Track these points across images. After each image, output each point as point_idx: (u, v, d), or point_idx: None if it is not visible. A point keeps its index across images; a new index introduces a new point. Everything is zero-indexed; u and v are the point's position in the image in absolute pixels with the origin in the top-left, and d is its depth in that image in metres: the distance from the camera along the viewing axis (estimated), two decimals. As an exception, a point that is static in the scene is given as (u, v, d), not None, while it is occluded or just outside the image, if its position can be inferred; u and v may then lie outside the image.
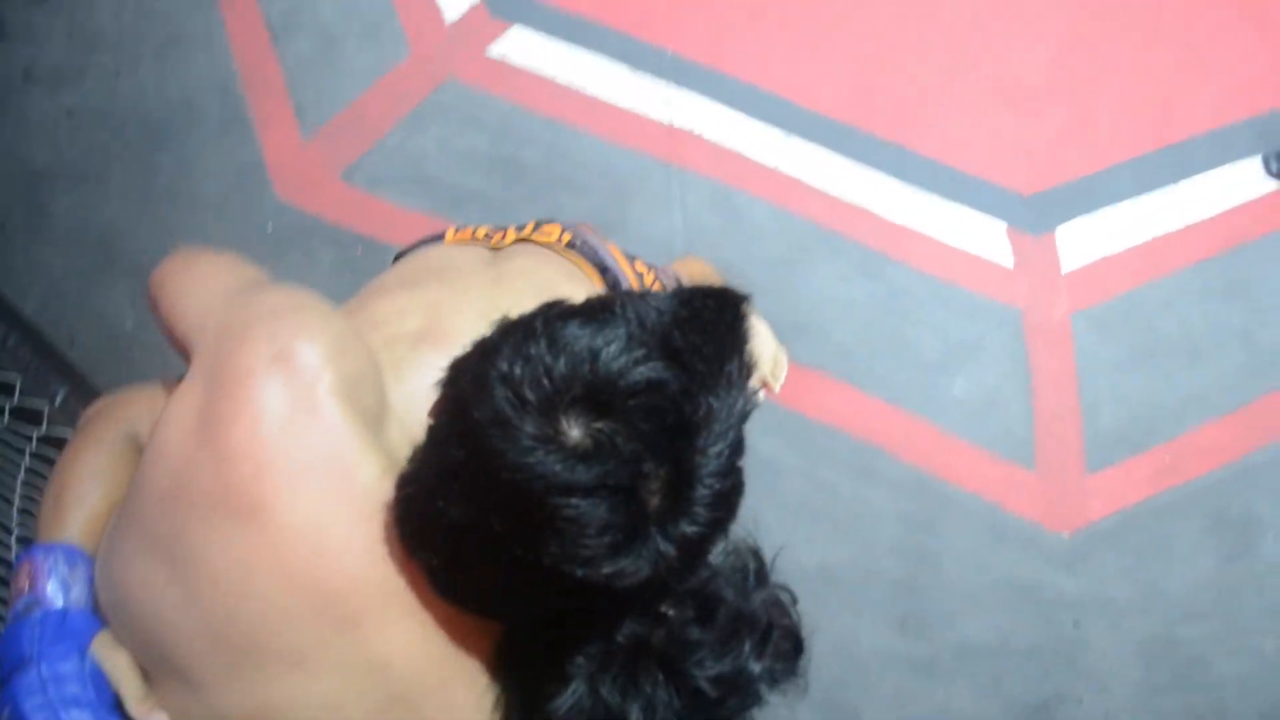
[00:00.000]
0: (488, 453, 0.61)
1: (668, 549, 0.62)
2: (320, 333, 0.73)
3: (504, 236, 1.23)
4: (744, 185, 1.98)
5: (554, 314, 0.66)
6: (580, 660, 0.71)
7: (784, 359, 1.89)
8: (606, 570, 0.61)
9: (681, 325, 0.66)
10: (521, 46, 2.04)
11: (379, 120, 2.02)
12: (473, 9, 2.06)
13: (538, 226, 1.25)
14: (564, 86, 2.02)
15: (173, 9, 2.10)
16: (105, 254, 1.98)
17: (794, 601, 0.80)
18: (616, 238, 1.91)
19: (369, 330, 0.87)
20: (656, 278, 1.35)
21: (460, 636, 0.73)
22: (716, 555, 0.76)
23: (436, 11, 2.07)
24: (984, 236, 1.99)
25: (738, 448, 0.65)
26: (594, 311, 0.66)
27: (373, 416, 0.75)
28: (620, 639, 0.71)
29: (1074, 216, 2.01)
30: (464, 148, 2.00)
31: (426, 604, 0.72)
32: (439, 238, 1.28)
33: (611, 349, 0.62)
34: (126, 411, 0.89)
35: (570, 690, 0.70)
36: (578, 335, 0.63)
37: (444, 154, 2.00)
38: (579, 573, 0.61)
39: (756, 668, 0.73)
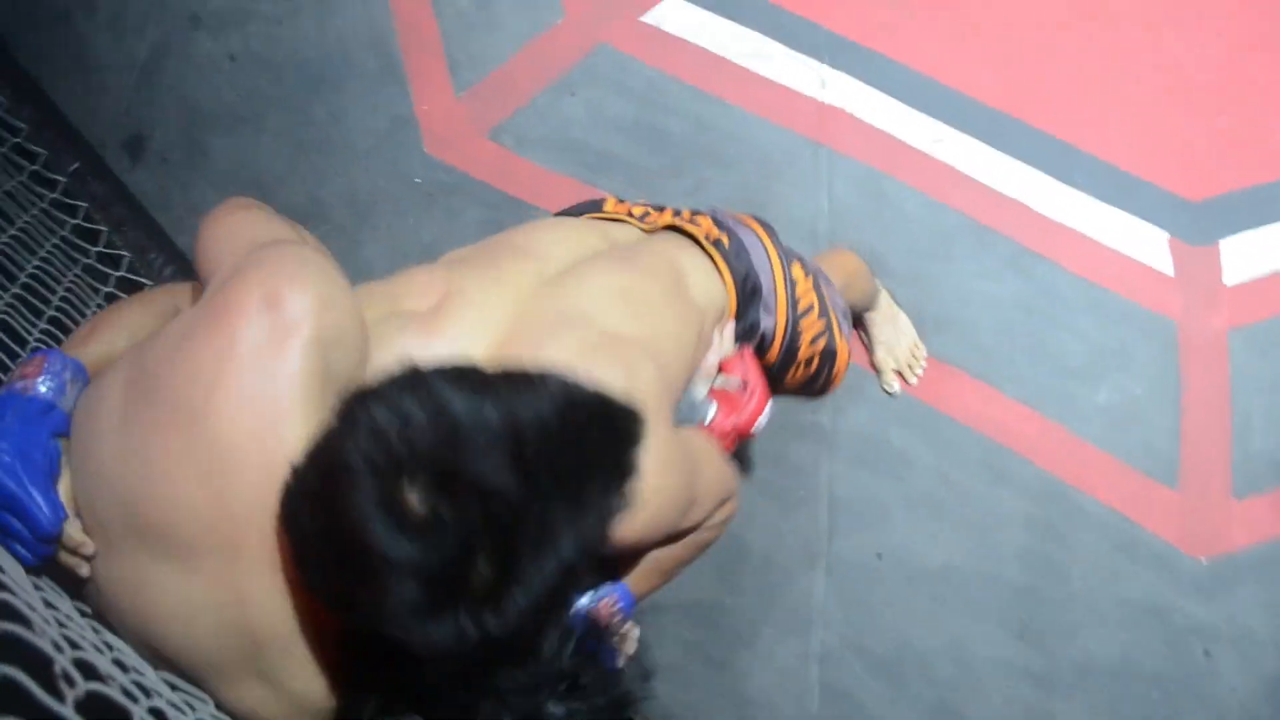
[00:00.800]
0: (331, 482, 0.68)
1: (474, 633, 0.66)
2: (312, 287, 0.79)
3: (658, 217, 1.25)
4: (894, 171, 1.94)
5: (448, 372, 0.72)
6: (372, 687, 0.77)
7: (922, 352, 1.86)
8: (406, 628, 0.66)
9: (545, 437, 0.69)
10: (676, 15, 2.02)
11: (529, 82, 2.04)
12: (630, -25, 2.05)
13: (694, 216, 1.24)
14: (716, 58, 2.00)
15: (336, -39, 2.15)
16: (259, 195, 2.03)
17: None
18: (761, 213, 1.90)
19: (381, 300, 0.95)
20: (816, 284, 1.34)
21: (315, 613, 0.79)
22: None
23: (593, -24, 2.07)
24: (1142, 241, 1.90)
25: (570, 567, 0.69)
26: (480, 386, 0.71)
27: (339, 378, 0.80)
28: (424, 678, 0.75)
29: (1241, 229, 1.91)
30: (612, 114, 2.00)
31: (294, 572, 0.78)
32: (598, 204, 1.28)
33: (476, 435, 0.67)
34: (183, 290, 1.02)
35: (363, 709, 0.77)
36: (452, 402, 0.69)
37: (591, 119, 2.00)
38: (380, 625, 0.67)
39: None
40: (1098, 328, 1.88)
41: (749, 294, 1.22)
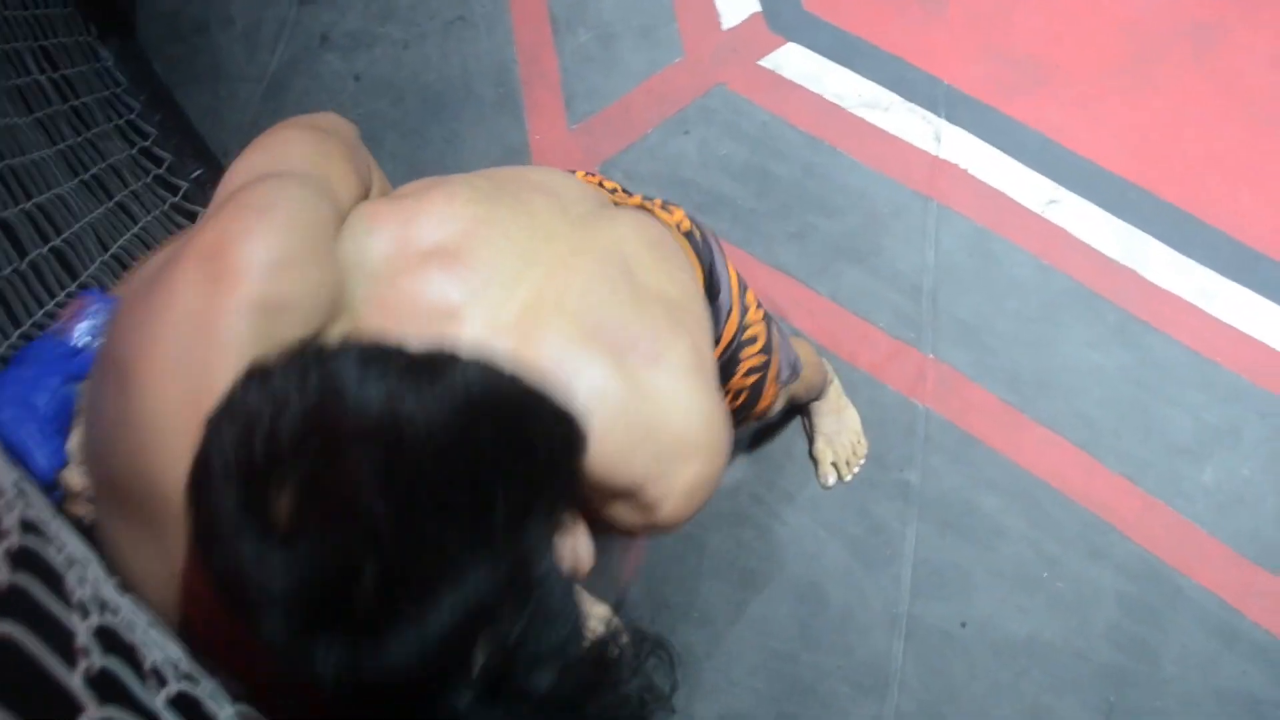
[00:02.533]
0: (200, 483, 0.59)
1: (349, 669, 0.56)
2: (268, 242, 0.72)
3: (626, 198, 1.17)
4: (1005, 231, 1.95)
5: (360, 349, 0.61)
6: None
7: (863, 449, 1.86)
8: (282, 658, 0.57)
9: (432, 446, 0.57)
10: (794, 61, 2.07)
11: (643, 118, 2.10)
12: (751, 18, 2.10)
13: (665, 205, 1.19)
14: (831, 105, 2.04)
15: (465, -11, 2.25)
16: (375, 215, 2.15)
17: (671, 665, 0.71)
18: (865, 264, 1.93)
19: (392, 224, 0.83)
20: (767, 321, 1.28)
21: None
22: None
23: (714, 17, 2.12)
24: (1260, 318, 1.88)
25: (474, 603, 0.58)
26: (386, 371, 0.59)
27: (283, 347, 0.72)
28: None
29: (1366, 312, 1.87)
30: (723, 154, 2.04)
31: None
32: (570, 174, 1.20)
33: (351, 436, 0.57)
34: None
35: None
36: (342, 390, 0.58)
37: (702, 158, 2.05)
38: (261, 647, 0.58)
39: None
40: (1207, 404, 1.85)
41: (711, 292, 1.15)
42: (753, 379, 1.26)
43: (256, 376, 0.61)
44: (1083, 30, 2.05)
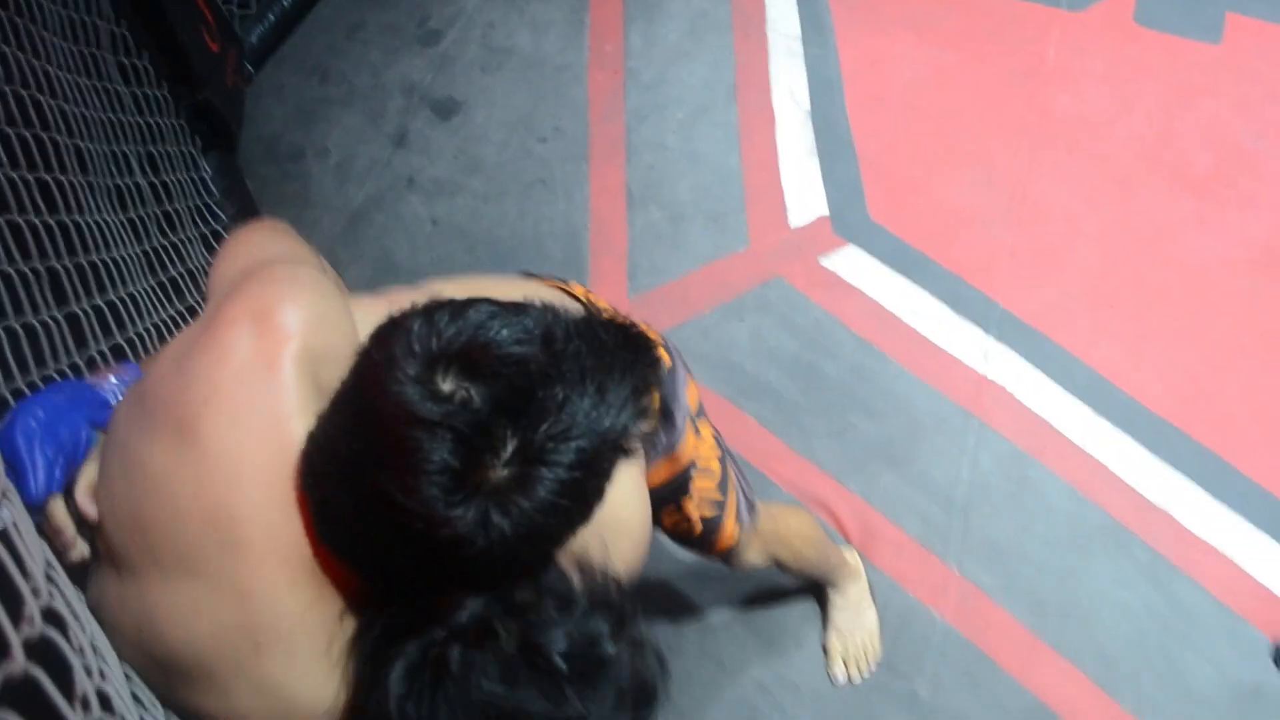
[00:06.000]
0: (369, 383, 0.78)
1: (501, 521, 0.74)
2: (304, 304, 0.90)
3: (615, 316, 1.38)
4: (1042, 456, 2.12)
5: (471, 297, 0.82)
6: (410, 649, 0.80)
7: (875, 654, 1.99)
8: (435, 512, 0.73)
9: (571, 333, 0.80)
10: (854, 264, 2.31)
11: (701, 299, 2.34)
12: (817, 220, 2.36)
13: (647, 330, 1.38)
14: (885, 312, 2.27)
15: (550, 156, 2.55)
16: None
17: (662, 666, 0.88)
18: (901, 470, 2.10)
19: (375, 315, 1.00)
20: (724, 461, 1.48)
21: (323, 603, 0.86)
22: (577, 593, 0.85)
23: (783, 214, 2.39)
24: (1289, 578, 2.01)
25: (595, 456, 0.78)
26: (507, 305, 0.81)
27: (327, 391, 0.89)
28: (440, 634, 0.80)
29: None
30: (773, 345, 2.27)
31: (303, 561, 0.85)
32: (565, 281, 1.44)
33: (500, 330, 0.78)
34: None
35: (391, 673, 0.80)
36: (478, 313, 0.79)
37: (753, 346, 2.27)
38: (407, 502, 0.74)
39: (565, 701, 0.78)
40: (1231, 658, 1.96)
41: (664, 414, 1.35)
42: (710, 513, 1.46)
43: (399, 318, 0.81)
44: (1137, 270, 2.28)
